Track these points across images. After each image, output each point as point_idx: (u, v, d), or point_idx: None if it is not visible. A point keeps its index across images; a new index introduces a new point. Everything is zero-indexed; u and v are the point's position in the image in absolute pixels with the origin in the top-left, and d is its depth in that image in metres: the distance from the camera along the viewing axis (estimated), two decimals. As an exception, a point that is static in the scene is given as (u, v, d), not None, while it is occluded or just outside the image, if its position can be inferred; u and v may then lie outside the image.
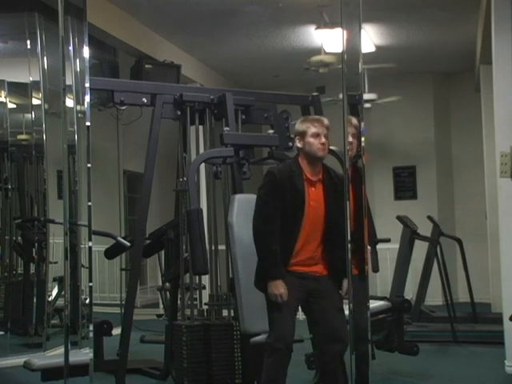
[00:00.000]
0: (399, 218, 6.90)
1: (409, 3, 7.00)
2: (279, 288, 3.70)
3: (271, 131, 4.76)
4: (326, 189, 3.83)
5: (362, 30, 2.92)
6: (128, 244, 4.94)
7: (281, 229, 3.76)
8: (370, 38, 7.86)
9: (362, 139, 3.70)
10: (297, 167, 3.85)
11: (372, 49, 8.10)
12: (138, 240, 4.79)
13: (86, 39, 3.51)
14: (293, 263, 3.78)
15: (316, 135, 3.82)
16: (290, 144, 5.04)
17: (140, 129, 6.15)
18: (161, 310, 8.20)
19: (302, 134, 3.86)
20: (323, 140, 3.81)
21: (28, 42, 6.25)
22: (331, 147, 4.06)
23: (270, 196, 3.80)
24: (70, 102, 5.69)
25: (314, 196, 3.82)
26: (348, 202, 3.04)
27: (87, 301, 5.13)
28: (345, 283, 3.79)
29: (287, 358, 3.75)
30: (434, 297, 8.14)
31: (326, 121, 3.91)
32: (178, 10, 6.91)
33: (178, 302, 5.18)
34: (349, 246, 3.04)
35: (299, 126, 3.92)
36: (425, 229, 7.17)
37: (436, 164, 10.05)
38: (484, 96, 7.80)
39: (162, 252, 5.71)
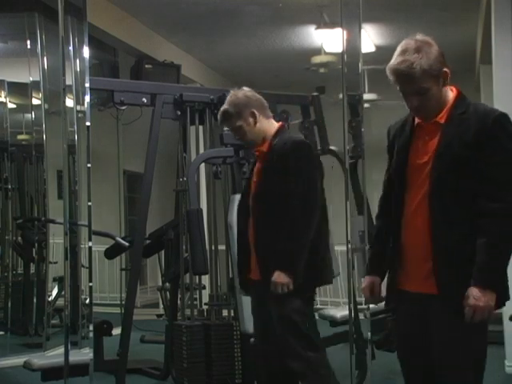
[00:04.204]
0: (399, 218, 6.87)
1: (409, 3, 6.99)
2: None
3: (271, 131, 4.75)
4: (264, 163, 3.39)
5: (362, 30, 2.92)
6: (126, 244, 4.94)
7: None
8: (370, 37, 7.85)
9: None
10: None
11: (372, 49, 8.09)
12: (138, 240, 4.79)
13: (86, 39, 3.51)
14: None
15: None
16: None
17: (140, 129, 6.14)
18: (161, 310, 8.19)
19: None
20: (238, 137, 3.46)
21: (28, 42, 6.25)
22: (331, 147, 3.94)
23: None
24: (69, 102, 5.70)
25: (256, 171, 3.46)
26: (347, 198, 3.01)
27: (87, 301, 5.13)
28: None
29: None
30: (434, 297, 8.11)
31: (227, 112, 3.37)
32: (178, 10, 6.90)
33: (178, 301, 5.18)
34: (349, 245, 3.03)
35: None
36: (425, 229, 7.15)
37: (436, 164, 10.01)
38: (484, 96, 7.78)
39: (162, 252, 5.71)
